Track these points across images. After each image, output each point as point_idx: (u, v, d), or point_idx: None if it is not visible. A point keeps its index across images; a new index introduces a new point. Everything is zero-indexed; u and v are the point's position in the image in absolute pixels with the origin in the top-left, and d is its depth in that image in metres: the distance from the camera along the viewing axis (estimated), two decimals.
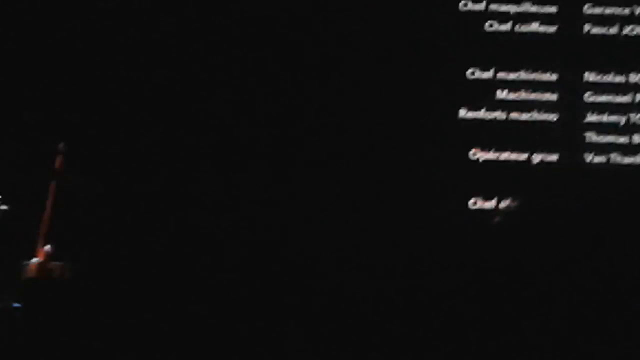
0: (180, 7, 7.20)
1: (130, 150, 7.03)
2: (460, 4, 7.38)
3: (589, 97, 7.23)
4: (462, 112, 7.26)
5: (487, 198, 7.07)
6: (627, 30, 7.31)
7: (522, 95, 7.28)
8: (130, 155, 7.01)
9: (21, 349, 5.33)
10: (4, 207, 6.05)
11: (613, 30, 7.31)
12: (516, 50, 7.34)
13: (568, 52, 7.32)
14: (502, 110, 7.27)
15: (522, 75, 7.29)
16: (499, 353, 5.83)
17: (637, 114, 7.18)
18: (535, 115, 7.24)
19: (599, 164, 7.10)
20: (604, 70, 7.26)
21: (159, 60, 7.12)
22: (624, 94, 7.20)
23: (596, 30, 7.33)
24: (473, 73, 7.30)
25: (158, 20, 7.14)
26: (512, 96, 7.28)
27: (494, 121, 7.24)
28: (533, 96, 7.27)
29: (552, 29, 7.35)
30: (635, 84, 7.22)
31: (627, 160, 7.09)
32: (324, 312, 5.72)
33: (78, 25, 7.17)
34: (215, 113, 7.06)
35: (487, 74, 7.30)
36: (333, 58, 7.24)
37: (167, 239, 6.67)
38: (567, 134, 7.21)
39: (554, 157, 7.14)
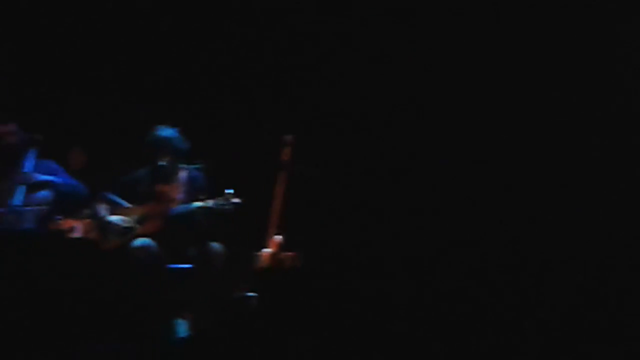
0: None
1: (357, 141, 7.11)
2: None
3: None
4: None
5: None
6: None
7: None
8: (356, 145, 7.10)
9: (256, 337, 5.51)
10: (236, 200, 6.26)
11: None
12: None
13: None
14: None
15: None
16: None
17: None
18: None
19: None
20: None
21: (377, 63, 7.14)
22: None
23: None
24: None
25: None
26: None
27: None
28: None
29: None
30: None
31: None
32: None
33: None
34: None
35: None
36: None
37: (394, 227, 6.72)
38: None
39: None
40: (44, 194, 6.39)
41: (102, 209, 6.45)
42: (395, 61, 7.10)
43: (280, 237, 6.35)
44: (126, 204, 6.44)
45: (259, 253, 6.34)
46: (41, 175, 6.41)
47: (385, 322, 5.18)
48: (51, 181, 6.41)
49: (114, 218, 6.39)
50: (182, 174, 6.54)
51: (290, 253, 6.31)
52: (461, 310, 5.48)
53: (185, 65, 7.44)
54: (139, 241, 6.25)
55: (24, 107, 6.90)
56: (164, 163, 6.49)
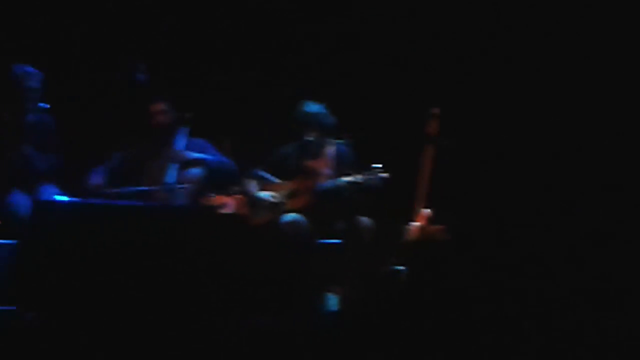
0: None
1: (502, 113, 7.00)
2: None
3: None
4: None
5: None
6: None
7: None
8: (501, 117, 6.99)
9: (405, 311, 5.50)
10: (384, 174, 6.25)
11: None
12: None
13: None
14: None
15: None
16: None
17: None
18: None
19: None
20: None
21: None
22: None
23: None
24: None
25: None
26: None
27: None
28: None
29: None
30: None
31: None
32: None
33: None
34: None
35: None
36: None
37: (542, 200, 6.59)
38: None
39: None
40: (195, 171, 6.52)
41: (252, 185, 6.55)
42: (544, 36, 6.97)
43: (429, 210, 6.32)
44: (275, 180, 6.52)
45: (408, 227, 6.32)
46: (192, 153, 6.55)
47: (530, 294, 5.10)
48: (202, 159, 6.54)
49: (263, 194, 6.48)
50: (330, 149, 6.57)
51: (438, 226, 6.26)
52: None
53: (331, 41, 7.46)
54: (288, 216, 6.31)
55: (174, 85, 7.04)
56: (312, 138, 6.53)
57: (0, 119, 6.35)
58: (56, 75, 6.53)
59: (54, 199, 5.90)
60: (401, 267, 6.06)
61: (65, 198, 5.84)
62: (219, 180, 6.59)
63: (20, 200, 6.17)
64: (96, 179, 6.48)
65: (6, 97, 6.36)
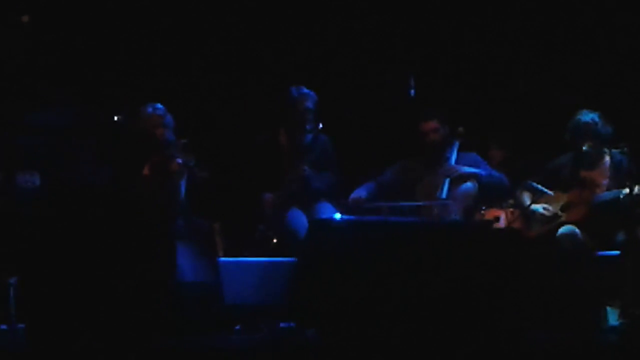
0: None
1: None
2: None
3: None
4: None
5: None
6: None
7: None
8: None
9: None
10: None
11: None
12: None
13: None
14: None
15: None
16: None
17: None
18: None
19: None
20: None
21: None
22: None
23: None
24: None
25: None
26: None
27: None
28: None
29: None
30: None
31: None
32: None
33: None
34: None
35: None
36: None
37: None
38: None
39: None
40: (468, 185, 6.50)
41: (526, 198, 6.46)
42: None
43: None
44: (549, 192, 6.39)
45: None
46: (465, 167, 6.54)
47: None
48: (475, 173, 6.51)
49: (537, 206, 6.37)
50: (606, 159, 6.38)
51: None
52: None
53: (604, 48, 7.27)
54: (564, 229, 6.16)
55: (445, 101, 7.06)
56: (587, 148, 6.36)
57: (278, 141, 6.62)
58: (328, 94, 6.72)
59: (331, 217, 6.06)
60: None
61: (341, 216, 5.98)
62: (491, 194, 6.55)
63: (298, 219, 6.39)
64: (358, 193, 6.59)
65: (284, 119, 6.61)
